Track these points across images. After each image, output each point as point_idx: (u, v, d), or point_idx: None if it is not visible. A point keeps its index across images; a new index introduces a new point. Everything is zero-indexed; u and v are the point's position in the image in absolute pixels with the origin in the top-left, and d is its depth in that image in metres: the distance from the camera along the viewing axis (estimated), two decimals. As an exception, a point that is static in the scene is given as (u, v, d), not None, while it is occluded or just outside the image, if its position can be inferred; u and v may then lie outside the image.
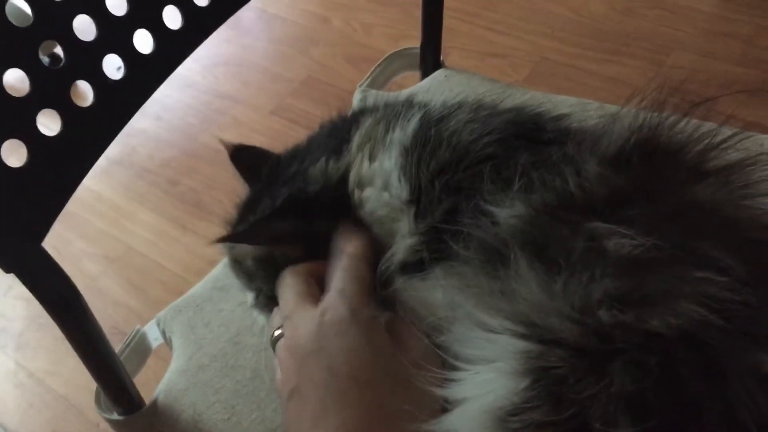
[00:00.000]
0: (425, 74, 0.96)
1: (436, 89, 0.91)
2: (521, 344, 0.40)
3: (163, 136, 1.85)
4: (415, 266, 0.51)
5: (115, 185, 1.74)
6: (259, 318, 0.61)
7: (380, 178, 0.55)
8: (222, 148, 0.64)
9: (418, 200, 0.53)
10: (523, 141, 0.53)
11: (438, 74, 0.94)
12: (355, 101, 0.93)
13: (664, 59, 1.72)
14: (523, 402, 0.38)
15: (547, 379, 0.38)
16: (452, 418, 0.42)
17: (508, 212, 0.47)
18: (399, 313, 0.52)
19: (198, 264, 1.49)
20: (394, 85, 0.99)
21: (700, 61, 1.69)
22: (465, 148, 0.53)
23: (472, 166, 0.52)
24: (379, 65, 0.97)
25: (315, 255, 0.55)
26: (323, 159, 0.58)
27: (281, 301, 0.53)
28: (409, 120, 0.57)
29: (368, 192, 0.55)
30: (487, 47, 1.88)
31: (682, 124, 0.48)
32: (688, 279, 0.39)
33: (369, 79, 0.96)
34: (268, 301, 0.58)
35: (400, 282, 0.52)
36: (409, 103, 0.60)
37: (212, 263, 0.81)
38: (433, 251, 0.50)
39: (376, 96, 0.92)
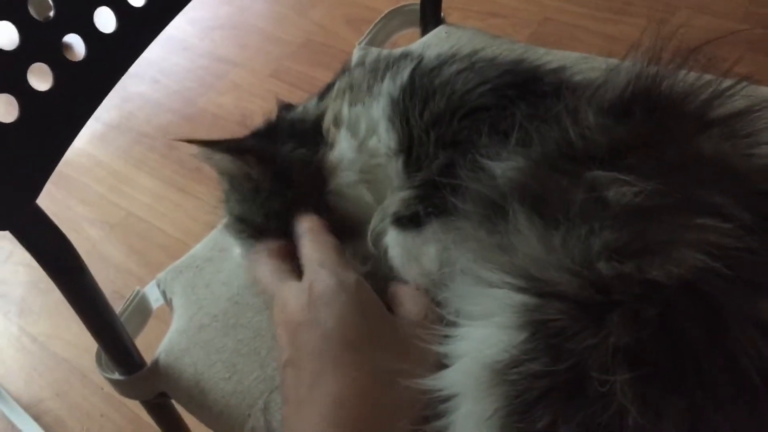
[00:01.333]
0: (425, 31, 0.94)
1: (437, 46, 0.89)
2: (519, 298, 0.40)
3: (161, 100, 1.83)
4: (408, 220, 0.51)
5: (113, 150, 1.73)
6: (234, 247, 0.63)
7: (365, 123, 0.56)
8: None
9: (408, 151, 0.53)
10: (519, 91, 0.53)
11: (438, 31, 0.92)
12: (355, 59, 0.91)
13: (669, 18, 1.69)
14: (521, 354, 0.38)
15: (546, 331, 0.38)
16: (450, 373, 0.42)
17: (505, 165, 0.46)
18: (397, 276, 0.53)
19: (198, 228, 1.48)
20: (394, 44, 0.98)
21: (704, 20, 1.66)
22: (459, 98, 0.53)
23: (467, 117, 0.51)
24: (378, 22, 0.95)
25: (281, 184, 0.56)
26: (310, 101, 0.61)
27: (260, 281, 0.54)
28: (400, 71, 0.58)
29: (342, 133, 0.56)
30: (488, 7, 1.85)
31: (683, 73, 0.47)
32: (690, 226, 0.39)
33: (368, 37, 0.94)
34: (237, 224, 0.60)
35: (391, 235, 0.52)
36: (403, 56, 0.61)
37: (212, 227, 0.80)
38: (429, 205, 0.50)
39: (375, 53, 0.90)
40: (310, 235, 0.53)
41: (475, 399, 0.40)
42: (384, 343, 0.48)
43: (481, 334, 0.41)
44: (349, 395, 0.45)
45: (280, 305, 0.51)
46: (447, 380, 0.42)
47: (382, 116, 0.55)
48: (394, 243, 0.52)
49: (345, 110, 0.57)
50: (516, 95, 0.52)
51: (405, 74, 0.56)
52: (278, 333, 0.50)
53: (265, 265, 0.54)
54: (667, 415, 0.36)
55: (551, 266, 0.40)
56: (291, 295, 0.50)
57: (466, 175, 0.48)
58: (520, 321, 0.39)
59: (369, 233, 0.54)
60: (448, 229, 0.49)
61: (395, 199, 0.53)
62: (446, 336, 0.43)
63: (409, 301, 0.50)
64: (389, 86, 0.56)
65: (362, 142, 0.56)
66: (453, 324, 0.44)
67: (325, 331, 0.47)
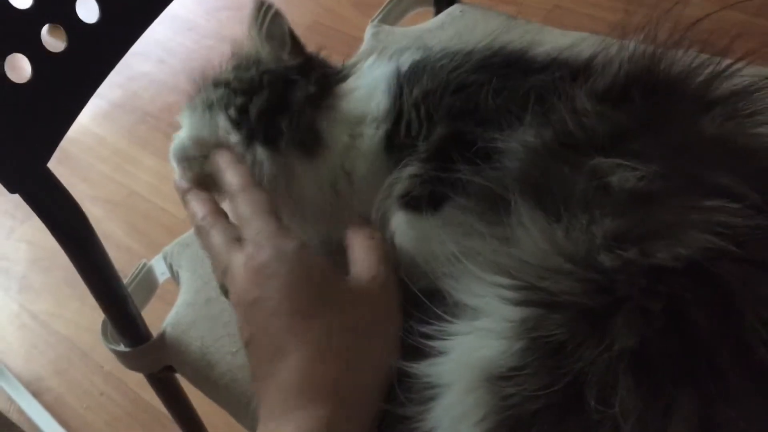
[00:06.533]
0: (439, 10, 0.93)
1: (451, 26, 0.88)
2: (518, 311, 0.39)
3: (166, 80, 1.81)
4: (419, 200, 0.50)
5: (118, 129, 1.72)
6: None
7: (372, 82, 0.56)
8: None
9: (395, 122, 0.52)
10: (511, 70, 0.52)
11: (453, 9, 0.92)
12: (367, 36, 0.90)
13: (681, 9, 1.67)
14: (516, 365, 0.37)
15: (545, 347, 0.37)
16: (441, 367, 0.41)
17: (507, 152, 0.45)
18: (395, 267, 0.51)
19: (201, 208, 1.48)
20: (407, 22, 0.97)
21: (717, 12, 1.65)
22: (447, 75, 0.52)
23: (459, 91, 0.51)
24: (391, 0, 0.94)
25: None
26: None
27: (213, 254, 0.52)
28: (412, 54, 0.57)
29: (367, 63, 0.58)
30: (498, -6, 1.84)
31: (681, 53, 0.46)
32: (697, 207, 0.37)
33: (381, 15, 0.93)
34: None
35: (401, 217, 0.51)
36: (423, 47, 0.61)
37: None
38: (437, 186, 0.49)
39: (388, 32, 0.89)
40: (243, 195, 0.51)
41: (459, 394, 0.39)
42: (335, 303, 0.47)
43: (476, 338, 0.40)
44: (309, 360, 0.45)
45: (231, 280, 0.49)
46: (434, 369, 0.41)
47: (383, 79, 0.55)
48: (407, 226, 0.50)
49: (371, 59, 0.59)
50: (506, 73, 0.51)
51: (417, 56, 0.57)
52: (235, 311, 0.50)
53: (215, 233, 0.52)
54: (677, 413, 0.34)
55: (552, 272, 0.38)
56: (237, 270, 0.49)
57: (464, 157, 0.47)
58: (516, 332, 0.38)
59: (374, 212, 0.53)
60: (453, 212, 0.48)
61: (401, 176, 0.51)
62: (440, 330, 0.42)
63: (360, 259, 0.50)
64: (402, 60, 0.57)
65: (374, 95, 0.55)
66: (448, 321, 0.42)
67: (274, 306, 0.47)
